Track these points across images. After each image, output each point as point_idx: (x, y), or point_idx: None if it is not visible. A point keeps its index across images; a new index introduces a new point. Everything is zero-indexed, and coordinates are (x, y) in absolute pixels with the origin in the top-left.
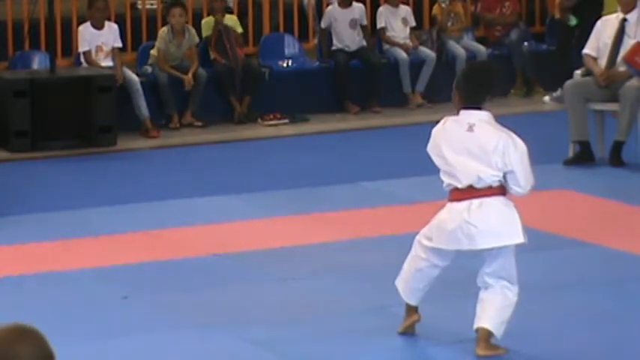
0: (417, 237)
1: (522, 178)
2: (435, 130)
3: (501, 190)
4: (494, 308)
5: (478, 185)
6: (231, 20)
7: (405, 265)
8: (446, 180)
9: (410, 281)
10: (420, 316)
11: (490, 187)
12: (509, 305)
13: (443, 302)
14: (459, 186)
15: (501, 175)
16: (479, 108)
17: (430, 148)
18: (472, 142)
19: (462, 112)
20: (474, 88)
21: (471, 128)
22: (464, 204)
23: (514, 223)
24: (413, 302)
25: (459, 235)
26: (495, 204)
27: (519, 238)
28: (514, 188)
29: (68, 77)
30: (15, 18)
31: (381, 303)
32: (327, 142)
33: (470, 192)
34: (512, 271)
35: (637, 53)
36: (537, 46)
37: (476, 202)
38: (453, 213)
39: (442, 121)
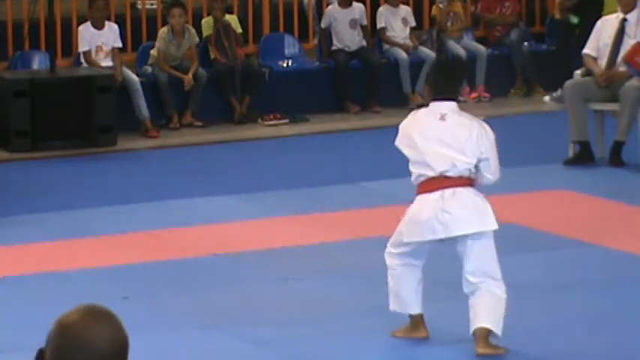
0: (385, 253)
1: (494, 165)
2: (403, 123)
3: (471, 180)
4: (486, 308)
5: (451, 173)
6: (231, 20)
7: (389, 284)
8: (417, 171)
9: (400, 292)
10: (428, 332)
11: (461, 177)
12: (499, 302)
13: (443, 302)
14: (432, 174)
15: (474, 163)
16: (448, 99)
17: (399, 141)
18: (445, 131)
19: (433, 104)
20: (443, 81)
21: (443, 117)
22: (437, 194)
23: (487, 210)
24: (415, 310)
25: (434, 224)
26: (467, 193)
27: (493, 225)
28: (486, 176)
29: (68, 77)
30: (15, 18)
31: (381, 303)
32: (327, 142)
33: (442, 181)
34: (495, 266)
35: (637, 53)
36: (537, 46)
37: (449, 191)
38: (425, 203)
39: (411, 114)
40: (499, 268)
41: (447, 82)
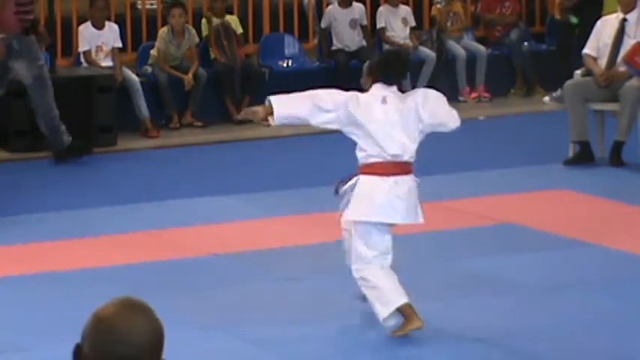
0: (354, 273)
1: (445, 109)
2: (353, 104)
3: (412, 166)
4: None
5: (404, 157)
6: (231, 20)
7: (368, 295)
8: (372, 151)
9: (381, 291)
10: (422, 320)
11: (409, 163)
12: None
13: (443, 302)
14: (387, 157)
15: (416, 145)
16: (393, 85)
17: (348, 122)
18: (390, 113)
19: (374, 86)
20: (388, 72)
21: (384, 100)
22: (391, 179)
23: (418, 202)
24: (401, 300)
25: (387, 210)
26: (412, 182)
27: (422, 218)
28: (450, 123)
29: (68, 77)
30: None
31: None
32: (327, 142)
33: (395, 165)
34: None
35: (637, 53)
36: (537, 46)
37: (399, 178)
38: (380, 187)
39: (354, 94)
40: None
41: (392, 73)
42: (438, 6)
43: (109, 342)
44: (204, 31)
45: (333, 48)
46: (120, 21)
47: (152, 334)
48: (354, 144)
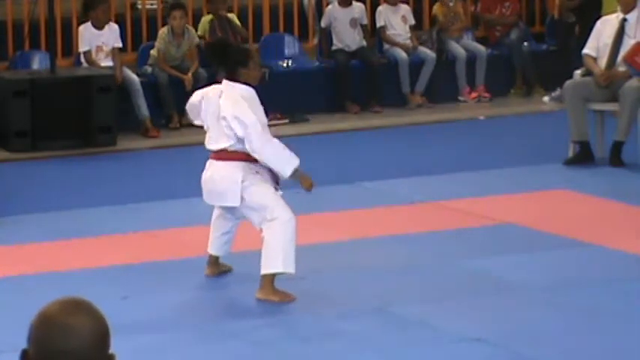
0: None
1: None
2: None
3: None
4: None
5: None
6: (230, 17)
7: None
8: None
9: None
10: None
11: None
12: None
13: (443, 302)
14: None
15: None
16: (237, 80)
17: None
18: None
19: (223, 82)
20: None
21: (221, 94)
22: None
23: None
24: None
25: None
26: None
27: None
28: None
29: (68, 77)
30: (15, 18)
31: (381, 303)
32: (327, 142)
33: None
34: None
35: (637, 53)
36: (537, 46)
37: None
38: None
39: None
40: None
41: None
42: (450, 4)
43: (51, 338)
44: (199, 30)
45: (333, 48)
46: (120, 21)
47: (95, 328)
48: (355, 144)
